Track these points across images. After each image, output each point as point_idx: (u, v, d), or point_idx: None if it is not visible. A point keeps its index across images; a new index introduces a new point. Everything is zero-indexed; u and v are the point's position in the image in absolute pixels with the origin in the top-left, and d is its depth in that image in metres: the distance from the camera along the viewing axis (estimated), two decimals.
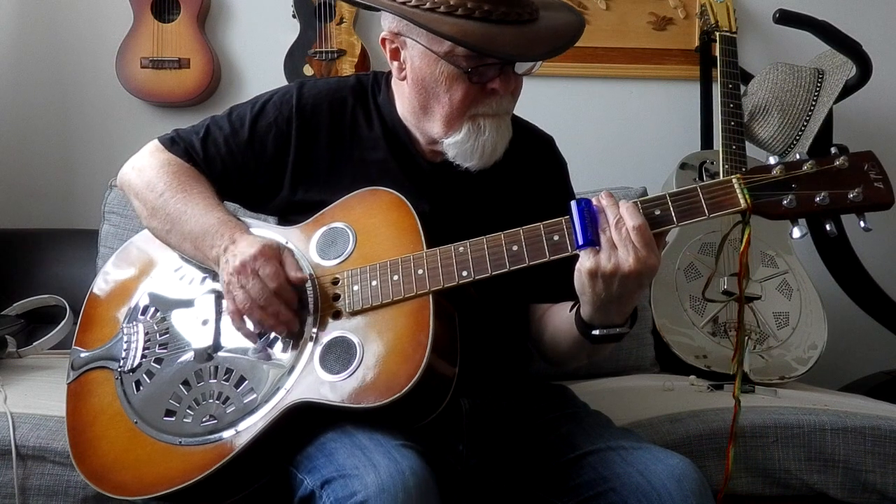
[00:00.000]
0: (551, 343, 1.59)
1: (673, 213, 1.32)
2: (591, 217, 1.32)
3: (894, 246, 3.02)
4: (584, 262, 1.31)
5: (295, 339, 1.41)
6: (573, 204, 1.32)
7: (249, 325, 1.42)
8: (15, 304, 2.34)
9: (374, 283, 1.40)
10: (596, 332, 1.40)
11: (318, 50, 2.79)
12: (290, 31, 2.84)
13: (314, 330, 1.41)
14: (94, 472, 1.46)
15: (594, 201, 1.33)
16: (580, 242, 1.31)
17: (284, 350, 1.41)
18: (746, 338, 2.36)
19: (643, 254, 1.28)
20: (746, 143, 2.63)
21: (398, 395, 1.29)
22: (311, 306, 1.42)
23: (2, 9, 2.86)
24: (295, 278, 1.41)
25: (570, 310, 1.46)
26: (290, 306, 1.41)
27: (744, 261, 1.38)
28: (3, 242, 2.56)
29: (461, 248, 1.38)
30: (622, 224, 1.30)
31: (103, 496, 1.45)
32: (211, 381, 1.44)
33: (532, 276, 1.39)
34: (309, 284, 1.44)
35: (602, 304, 1.35)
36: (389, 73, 1.61)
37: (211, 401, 1.42)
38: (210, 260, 1.47)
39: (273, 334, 1.42)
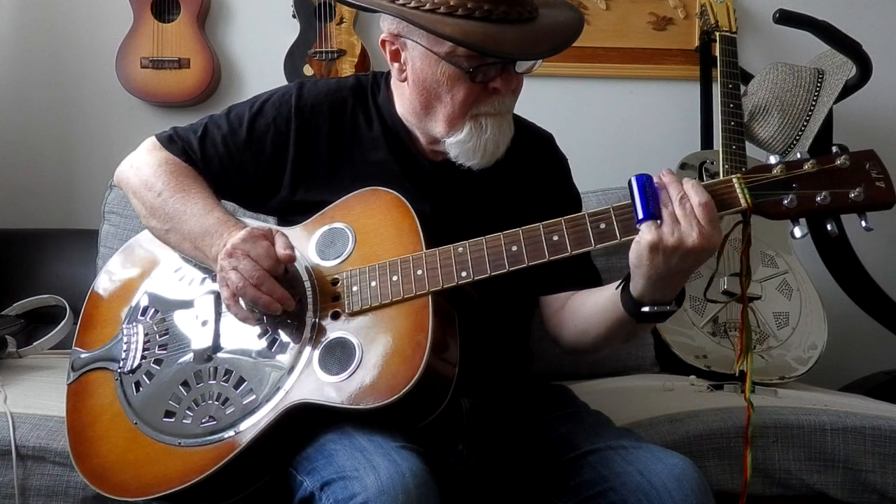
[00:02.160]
0: (580, 330, 1.56)
1: None
2: (651, 192, 1.30)
3: (894, 246, 3.02)
4: (646, 235, 1.29)
5: (294, 339, 1.41)
6: (633, 179, 1.31)
7: (245, 308, 1.41)
8: (15, 304, 2.33)
9: (373, 283, 1.40)
10: (646, 308, 1.37)
11: (318, 50, 2.79)
12: (290, 31, 2.84)
13: (313, 331, 1.41)
14: (94, 473, 1.46)
15: (655, 178, 1.31)
16: (641, 216, 1.29)
17: (284, 351, 1.41)
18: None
19: (708, 230, 1.27)
20: (746, 143, 2.63)
21: (398, 396, 1.29)
22: (310, 307, 1.42)
23: (2, 9, 2.85)
24: (283, 255, 1.39)
25: (617, 287, 1.43)
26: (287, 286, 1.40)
27: (745, 261, 1.37)
28: (3, 242, 2.56)
29: (460, 249, 1.38)
30: (686, 200, 1.28)
31: (103, 497, 1.45)
32: (210, 381, 1.44)
33: (545, 267, 1.37)
34: (308, 285, 1.44)
35: (657, 280, 1.33)
36: (389, 73, 1.61)
37: (210, 402, 1.42)
38: (210, 259, 1.47)
39: (276, 331, 1.42)
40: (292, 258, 1.41)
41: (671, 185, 1.30)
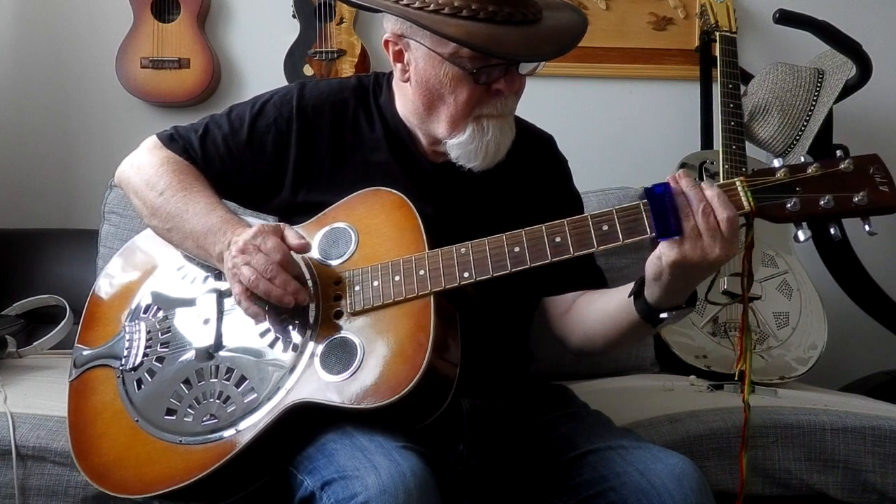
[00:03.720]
0: (589, 336, 1.56)
1: None
2: (671, 203, 1.26)
3: (894, 246, 3.02)
4: (668, 253, 1.27)
5: (296, 338, 1.41)
6: (651, 190, 1.27)
7: (255, 304, 1.40)
8: (15, 304, 2.33)
9: (375, 283, 1.40)
10: (665, 314, 1.37)
11: (318, 50, 2.79)
12: (290, 31, 2.84)
13: (316, 330, 1.41)
14: (96, 470, 1.46)
15: (672, 183, 1.28)
16: (662, 232, 1.27)
17: (286, 350, 1.41)
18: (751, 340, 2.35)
19: (731, 244, 1.26)
20: (746, 143, 2.63)
21: (399, 396, 1.29)
22: (312, 307, 1.42)
23: (2, 9, 2.85)
24: (297, 245, 1.39)
25: (629, 295, 1.42)
26: (298, 276, 1.40)
27: (747, 264, 1.37)
28: (3, 242, 2.56)
29: (463, 249, 1.38)
30: (710, 212, 1.26)
31: (103, 496, 1.45)
32: (212, 380, 1.44)
33: (546, 269, 1.37)
34: (310, 284, 1.44)
35: (675, 290, 1.33)
36: (390, 73, 1.61)
37: (212, 400, 1.42)
38: (213, 258, 1.47)
39: (278, 330, 1.42)
40: (306, 246, 1.41)
41: (691, 192, 1.27)
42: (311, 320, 1.41)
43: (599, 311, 1.53)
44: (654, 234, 1.28)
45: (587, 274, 1.63)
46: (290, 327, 1.42)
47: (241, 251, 1.39)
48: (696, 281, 1.33)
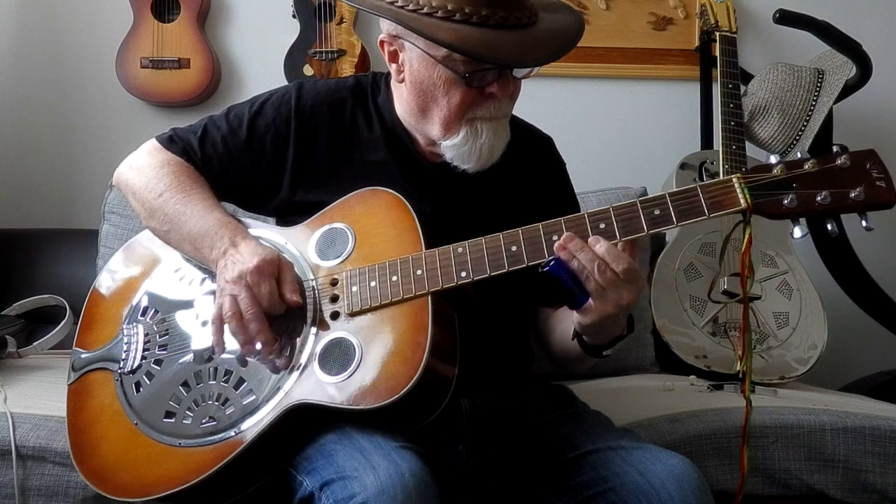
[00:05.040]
0: (559, 347, 1.61)
1: (672, 213, 1.32)
2: (568, 273, 1.32)
3: (894, 246, 3.02)
4: (585, 318, 1.36)
5: (294, 339, 1.41)
6: (549, 270, 1.33)
7: (225, 334, 1.41)
8: (15, 304, 2.33)
9: (372, 283, 1.39)
10: (608, 351, 1.46)
11: (318, 50, 2.80)
12: (290, 31, 2.84)
13: (313, 331, 1.41)
14: (95, 473, 1.46)
15: (560, 253, 1.32)
16: (578, 304, 1.35)
17: (284, 351, 1.41)
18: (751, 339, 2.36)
19: (635, 285, 1.33)
20: (746, 143, 2.63)
21: (397, 396, 1.29)
22: (309, 307, 1.42)
23: (2, 9, 2.86)
24: (290, 301, 1.40)
25: (572, 338, 1.48)
26: (268, 331, 1.40)
27: (746, 261, 1.37)
28: (3, 242, 2.56)
29: (460, 249, 1.38)
30: (606, 268, 1.31)
31: (103, 497, 1.45)
32: (210, 382, 1.44)
33: (531, 280, 1.39)
34: (308, 285, 1.44)
35: (604, 333, 1.42)
36: (389, 74, 1.61)
37: (210, 402, 1.42)
38: (209, 261, 1.47)
39: (276, 331, 1.41)
40: (297, 304, 1.41)
41: (581, 255, 1.32)
42: (309, 321, 1.41)
43: (560, 333, 1.58)
44: (577, 308, 1.36)
45: None
46: (288, 328, 1.42)
47: (234, 281, 1.39)
48: (622, 320, 1.41)
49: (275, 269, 1.41)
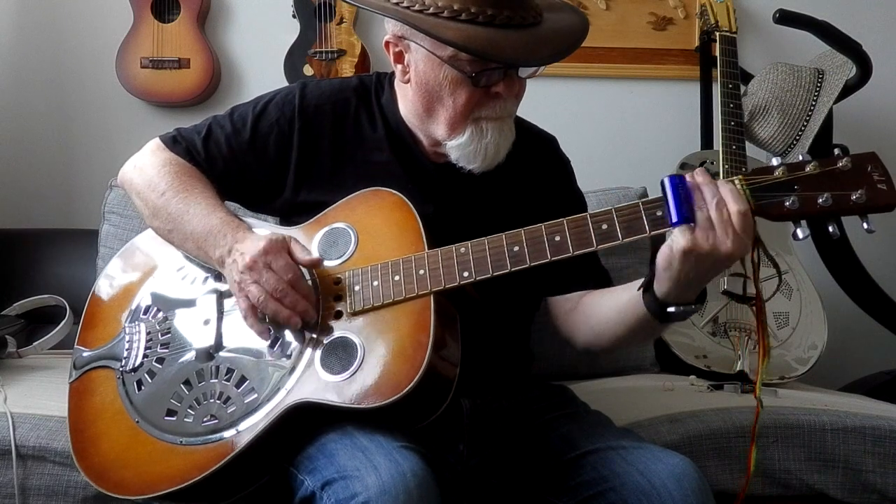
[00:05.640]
0: (597, 332, 1.56)
1: None
2: (685, 193, 1.27)
3: (894, 246, 3.02)
4: (679, 239, 1.27)
5: (296, 338, 1.41)
6: (666, 179, 1.28)
7: (260, 323, 1.41)
8: (15, 304, 2.33)
9: (375, 283, 1.40)
10: (672, 309, 1.36)
11: (318, 50, 2.80)
12: (290, 31, 2.84)
13: (316, 330, 1.41)
14: (95, 471, 1.46)
15: (688, 177, 1.29)
16: (675, 219, 1.27)
17: (286, 350, 1.41)
18: (748, 338, 2.36)
19: (743, 238, 1.26)
20: (746, 143, 2.63)
21: (399, 395, 1.29)
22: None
23: (2, 9, 2.85)
24: (307, 261, 1.41)
25: (638, 288, 1.42)
26: (307, 295, 1.40)
27: (754, 261, 1.36)
28: (3, 242, 2.56)
29: (462, 249, 1.38)
30: (723, 206, 1.26)
31: (103, 496, 1.45)
32: (212, 380, 1.44)
33: (551, 268, 1.37)
34: (310, 285, 1.44)
35: (685, 283, 1.32)
36: (392, 74, 1.61)
37: (212, 400, 1.42)
38: (213, 260, 1.47)
39: (278, 330, 1.42)
40: (318, 262, 1.42)
41: (706, 186, 1.27)
42: (312, 321, 1.41)
43: (609, 307, 1.52)
44: (671, 221, 1.28)
45: (593, 272, 1.63)
46: (291, 328, 1.42)
47: (250, 268, 1.39)
48: (705, 277, 1.32)
49: (283, 244, 1.41)
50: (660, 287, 1.35)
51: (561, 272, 1.48)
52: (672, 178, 1.28)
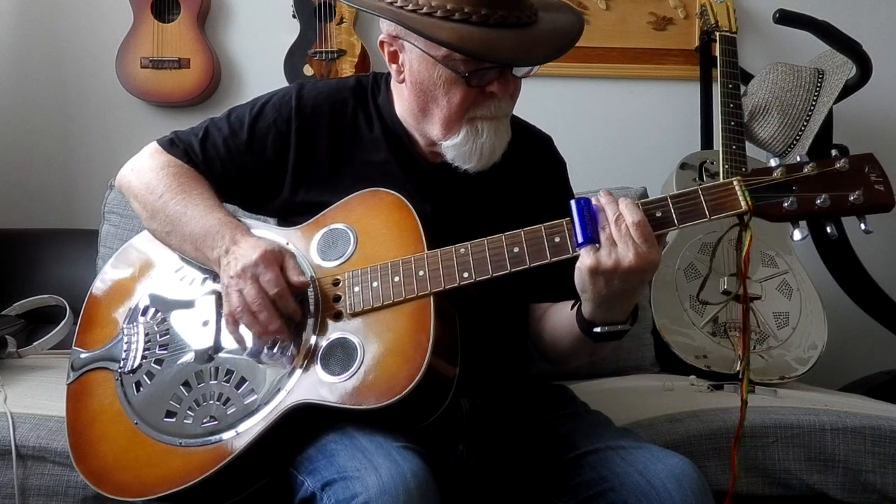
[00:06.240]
0: (551, 342, 1.59)
1: (674, 215, 1.32)
2: (590, 215, 1.32)
3: (894, 246, 3.02)
4: (585, 259, 1.31)
5: (296, 339, 1.41)
6: (572, 203, 1.33)
7: (242, 329, 1.42)
8: (15, 304, 2.34)
9: (374, 284, 1.40)
10: (598, 329, 1.40)
11: (318, 50, 2.80)
12: (290, 31, 2.84)
13: (315, 331, 1.41)
14: (94, 473, 1.46)
15: (593, 200, 1.33)
16: (580, 241, 1.32)
17: (285, 351, 1.41)
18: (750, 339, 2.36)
19: (643, 249, 1.29)
20: (746, 143, 2.63)
21: (399, 396, 1.29)
22: (311, 308, 1.42)
23: (2, 9, 2.86)
24: (296, 282, 1.40)
25: (572, 308, 1.45)
26: (291, 314, 1.40)
27: (747, 263, 1.37)
28: (3, 242, 2.56)
29: (462, 250, 1.38)
30: (622, 220, 1.30)
31: (103, 497, 1.45)
32: (211, 382, 1.44)
33: (532, 276, 1.39)
34: (310, 286, 1.44)
35: (603, 301, 1.35)
36: (389, 74, 1.61)
37: (211, 402, 1.42)
38: (211, 261, 1.47)
39: (274, 344, 1.42)
40: (305, 285, 1.41)
41: (607, 206, 1.32)
42: (311, 322, 1.41)
43: (559, 320, 1.55)
44: (577, 243, 1.32)
45: (562, 285, 1.63)
46: (290, 329, 1.42)
47: (238, 275, 1.39)
48: (623, 295, 1.34)
49: (277, 257, 1.41)
50: (584, 308, 1.40)
51: (538, 280, 1.49)
52: (578, 200, 1.33)
